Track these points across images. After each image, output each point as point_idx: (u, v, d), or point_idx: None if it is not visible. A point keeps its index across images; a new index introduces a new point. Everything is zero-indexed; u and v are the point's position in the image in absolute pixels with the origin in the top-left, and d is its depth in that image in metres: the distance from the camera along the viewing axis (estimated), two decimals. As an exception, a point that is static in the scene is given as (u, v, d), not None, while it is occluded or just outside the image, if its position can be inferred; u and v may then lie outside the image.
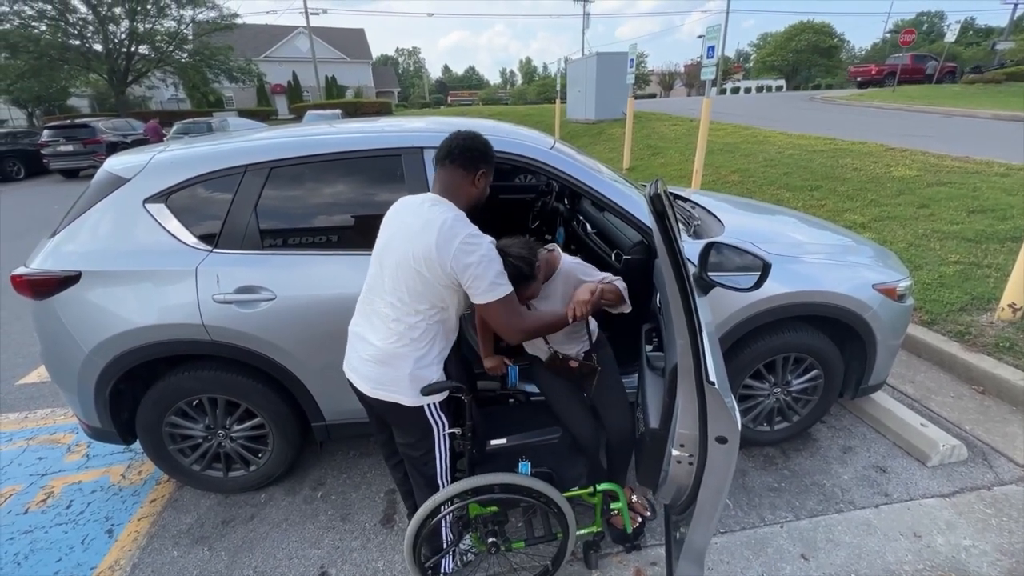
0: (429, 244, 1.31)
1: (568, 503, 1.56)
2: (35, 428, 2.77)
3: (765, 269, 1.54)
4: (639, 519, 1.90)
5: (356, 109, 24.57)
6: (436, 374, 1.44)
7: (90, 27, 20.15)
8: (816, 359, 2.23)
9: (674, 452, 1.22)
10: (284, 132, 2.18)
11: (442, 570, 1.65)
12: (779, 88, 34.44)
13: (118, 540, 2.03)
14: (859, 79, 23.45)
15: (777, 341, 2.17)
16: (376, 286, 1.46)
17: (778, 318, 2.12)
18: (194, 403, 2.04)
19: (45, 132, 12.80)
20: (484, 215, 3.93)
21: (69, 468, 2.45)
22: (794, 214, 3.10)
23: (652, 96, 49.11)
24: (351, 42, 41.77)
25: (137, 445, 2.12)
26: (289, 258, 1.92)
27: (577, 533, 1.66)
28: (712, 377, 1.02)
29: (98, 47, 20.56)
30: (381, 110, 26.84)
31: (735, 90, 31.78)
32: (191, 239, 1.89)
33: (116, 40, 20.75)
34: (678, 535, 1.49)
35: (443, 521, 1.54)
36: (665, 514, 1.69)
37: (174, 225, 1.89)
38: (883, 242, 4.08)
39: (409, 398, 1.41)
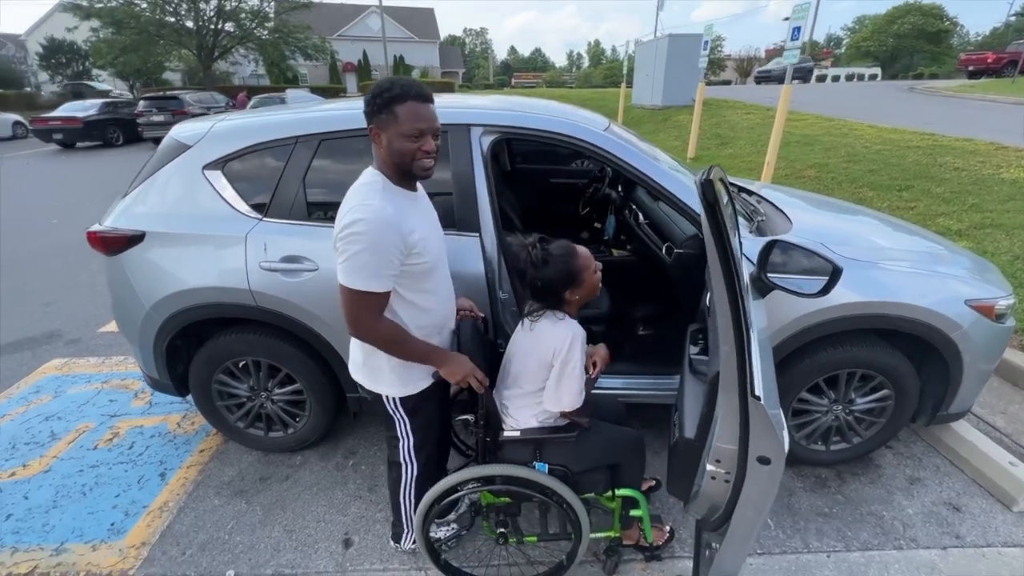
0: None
1: (583, 504, 1.49)
2: (109, 372, 3.03)
3: (835, 274, 1.37)
4: (667, 534, 1.80)
5: (420, 89, 24.84)
6: (389, 366, 1.39)
7: (184, 4, 21.61)
8: (887, 378, 1.99)
9: (709, 467, 1.11)
10: (336, 105, 2.20)
11: (433, 535, 1.71)
12: (873, 77, 31.19)
13: (169, 484, 2.18)
14: (971, 68, 20.85)
15: (842, 354, 1.96)
16: None
17: (846, 329, 1.91)
18: (240, 364, 2.14)
19: (140, 103, 13.96)
20: (533, 199, 3.84)
21: (134, 412, 2.67)
22: (878, 216, 2.78)
23: (727, 83, 46.25)
24: (420, 21, 42.21)
25: (191, 398, 2.26)
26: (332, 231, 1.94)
27: (593, 536, 1.59)
28: (758, 391, 0.90)
29: (189, 24, 22.06)
30: (444, 90, 27.04)
31: (821, 78, 29.10)
32: (243, 206, 1.95)
33: (205, 17, 22.16)
34: (708, 553, 1.38)
35: (462, 502, 1.54)
36: (696, 528, 1.58)
37: (229, 192, 1.96)
38: (983, 253, 3.60)
39: (369, 382, 1.44)
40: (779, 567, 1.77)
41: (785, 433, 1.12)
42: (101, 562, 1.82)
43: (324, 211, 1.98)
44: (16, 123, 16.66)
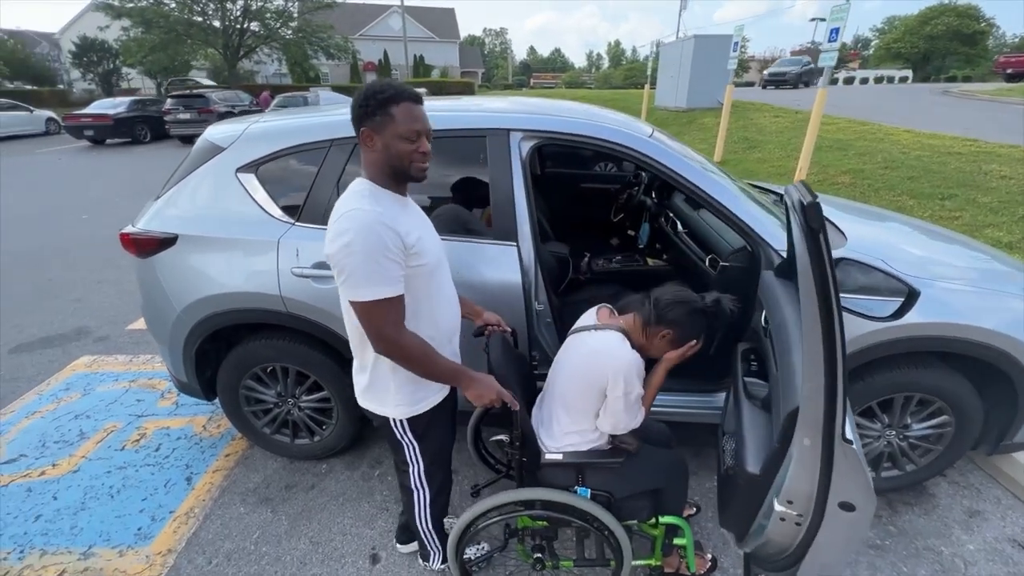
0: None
1: (625, 531, 1.40)
2: (137, 371, 3.04)
3: (911, 297, 1.27)
4: (708, 563, 1.70)
5: (440, 88, 24.98)
6: (396, 385, 1.30)
7: (211, 4, 22.00)
8: (947, 403, 1.86)
9: (777, 507, 1.02)
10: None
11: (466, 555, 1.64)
12: (904, 79, 30.24)
13: (195, 488, 2.16)
14: (1009, 71, 20.08)
15: (899, 377, 1.83)
16: None
17: (903, 351, 1.79)
18: (268, 370, 2.11)
19: (168, 100, 14.22)
20: (563, 204, 3.74)
21: (161, 413, 2.66)
22: (938, 229, 2.63)
23: (750, 84, 45.49)
24: (441, 21, 42.36)
25: (218, 401, 2.23)
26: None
27: (634, 563, 1.51)
28: (849, 435, 0.81)
29: (216, 23, 22.44)
30: (464, 90, 27.10)
31: (849, 80, 28.28)
32: (276, 211, 1.91)
33: (232, 17, 22.53)
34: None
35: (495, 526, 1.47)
36: (745, 560, 1.48)
37: (262, 196, 1.92)
38: (1036, 267, 3.40)
39: (375, 405, 1.36)
40: (830, 604, 1.66)
41: (870, 477, 1.03)
42: (128, 568, 1.80)
43: (357, 216, 1.92)
44: (49, 119, 17.15)
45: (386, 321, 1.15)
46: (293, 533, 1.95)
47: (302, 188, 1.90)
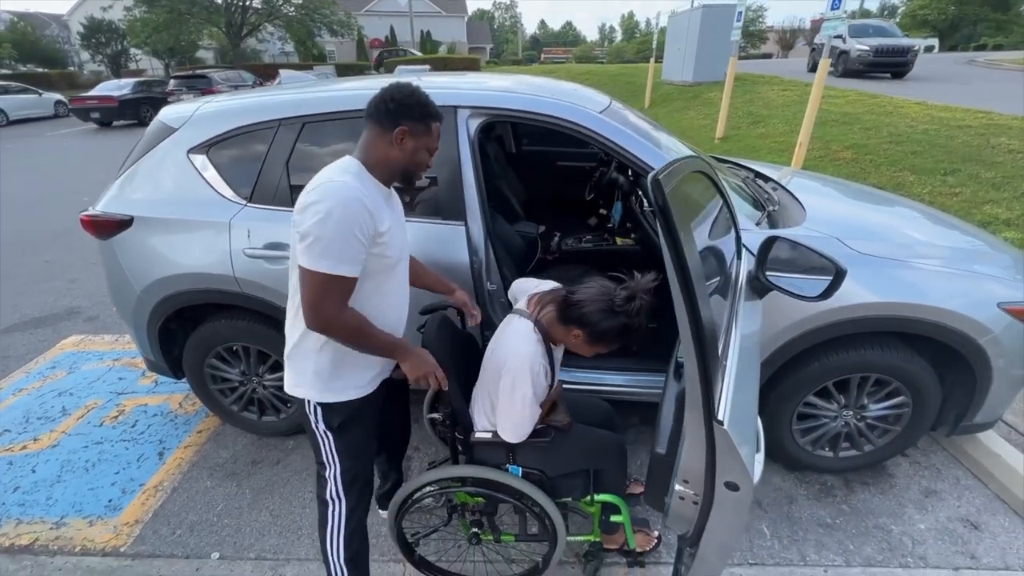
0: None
1: (558, 509, 1.42)
2: (121, 351, 3.12)
3: (838, 276, 1.24)
4: (654, 539, 1.73)
5: (445, 65, 24.54)
6: (315, 366, 1.25)
7: (212, -19, 21.80)
8: (904, 384, 1.84)
9: (677, 487, 1.03)
10: (323, 87, 2.12)
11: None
12: (929, 48, 28.82)
13: (166, 463, 2.23)
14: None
15: (854, 358, 1.81)
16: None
17: (861, 331, 1.76)
18: (232, 349, 2.15)
19: (171, 81, 14.23)
20: (540, 183, 3.69)
21: (140, 391, 2.74)
22: (917, 207, 2.55)
23: (767, 56, 43.90)
24: (448, -5, 41.38)
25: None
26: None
27: (573, 539, 1.54)
28: (721, 415, 0.80)
29: (218, 0, 22.22)
30: (469, 66, 26.58)
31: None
32: (228, 191, 1.92)
33: (233, -6, 22.31)
34: (684, 569, 1.31)
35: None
36: (678, 541, 1.50)
37: (213, 177, 1.93)
38: (1032, 245, 3.30)
39: (289, 382, 1.32)
40: (771, 580, 1.68)
41: (760, 456, 1.03)
42: (96, 538, 1.88)
43: (308, 197, 1.92)
44: (58, 102, 17.29)
45: (332, 298, 1.14)
46: (255, 506, 2.01)
47: (252, 169, 1.91)
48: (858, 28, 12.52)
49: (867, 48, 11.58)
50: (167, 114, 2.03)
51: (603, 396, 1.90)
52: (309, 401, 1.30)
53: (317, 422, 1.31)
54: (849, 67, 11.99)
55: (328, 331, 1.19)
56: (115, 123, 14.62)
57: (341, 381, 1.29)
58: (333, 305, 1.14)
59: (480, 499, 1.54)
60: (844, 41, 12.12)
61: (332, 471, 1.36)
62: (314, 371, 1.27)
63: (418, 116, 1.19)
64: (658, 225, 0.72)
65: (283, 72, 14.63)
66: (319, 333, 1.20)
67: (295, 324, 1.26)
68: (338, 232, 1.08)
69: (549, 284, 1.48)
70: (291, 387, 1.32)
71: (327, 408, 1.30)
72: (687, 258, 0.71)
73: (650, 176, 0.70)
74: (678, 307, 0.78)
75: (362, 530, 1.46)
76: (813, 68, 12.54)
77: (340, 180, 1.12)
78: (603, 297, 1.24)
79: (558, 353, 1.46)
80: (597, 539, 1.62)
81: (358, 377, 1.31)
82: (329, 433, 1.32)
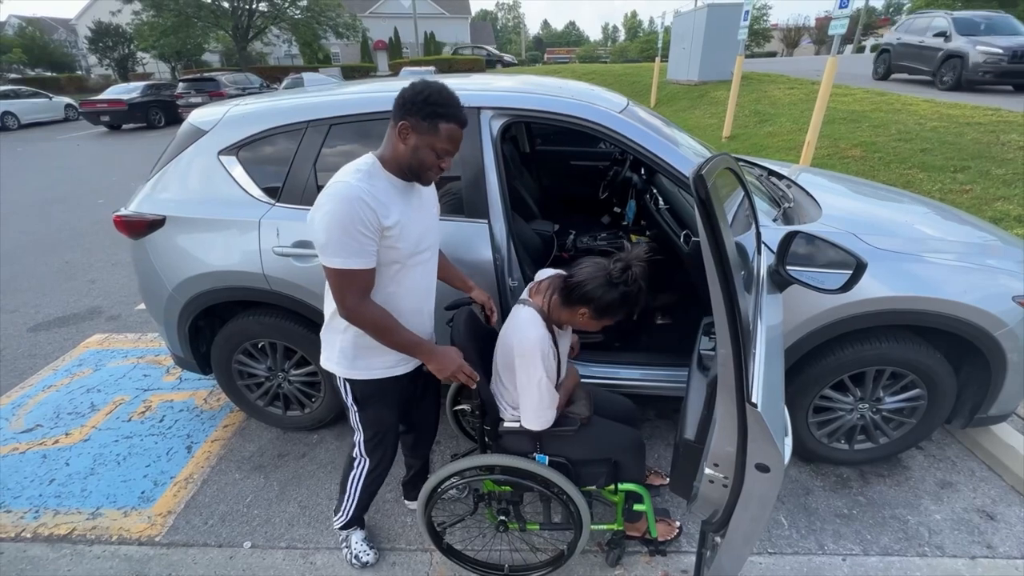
0: None
1: (583, 497, 1.47)
2: (145, 348, 3.19)
3: (858, 269, 1.27)
4: (676, 529, 1.77)
5: (449, 66, 24.63)
6: (341, 345, 1.38)
7: (220, -15, 21.98)
8: (920, 377, 1.87)
9: (707, 470, 1.07)
10: (348, 89, 2.18)
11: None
12: (935, 45, 28.65)
13: (194, 456, 2.30)
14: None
15: (870, 351, 1.84)
16: None
17: (877, 325, 1.80)
18: (259, 345, 2.20)
19: (180, 85, 14.37)
20: (554, 182, 3.73)
21: (165, 387, 2.81)
22: (928, 203, 2.58)
23: (772, 55, 43.71)
24: (451, -4, 41.49)
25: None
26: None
27: (596, 527, 1.58)
28: (755, 398, 0.85)
29: (225, 4, 22.41)
30: (473, 67, 26.67)
31: (877, 48, 26.88)
32: (257, 191, 1.98)
33: (240, -2, 22.48)
34: (709, 553, 1.35)
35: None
36: (701, 525, 1.54)
37: (243, 177, 1.99)
38: (1043, 241, 3.31)
39: (323, 358, 1.45)
40: (790, 568, 1.72)
41: (788, 440, 1.07)
42: (131, 527, 1.94)
43: (335, 196, 1.98)
44: (68, 106, 17.50)
45: (351, 289, 1.23)
46: (283, 497, 2.07)
47: (281, 169, 1.96)
48: (964, 22, 9.10)
49: (999, 51, 8.16)
50: (197, 117, 2.09)
51: (619, 390, 1.94)
52: (338, 375, 1.43)
53: (346, 394, 1.46)
54: (969, 77, 8.43)
55: (354, 321, 1.28)
56: (124, 126, 14.78)
57: (364, 360, 1.40)
58: (353, 297, 1.24)
59: (507, 488, 1.59)
60: (948, 39, 8.91)
61: (358, 436, 1.55)
62: (339, 350, 1.39)
63: (423, 114, 1.19)
64: (698, 217, 0.77)
65: (306, 75, 14.80)
66: (350, 323, 1.30)
67: (328, 305, 1.38)
68: (341, 229, 1.16)
69: (548, 272, 1.52)
70: (324, 362, 1.45)
71: (352, 383, 1.43)
72: (726, 248, 0.76)
73: (692, 172, 0.75)
74: (714, 295, 0.82)
75: (379, 481, 1.67)
76: (884, 76, 10.57)
77: (343, 180, 1.19)
78: (600, 273, 1.30)
79: (563, 341, 1.52)
80: (620, 527, 1.67)
81: (380, 359, 1.40)
82: (355, 405, 1.47)
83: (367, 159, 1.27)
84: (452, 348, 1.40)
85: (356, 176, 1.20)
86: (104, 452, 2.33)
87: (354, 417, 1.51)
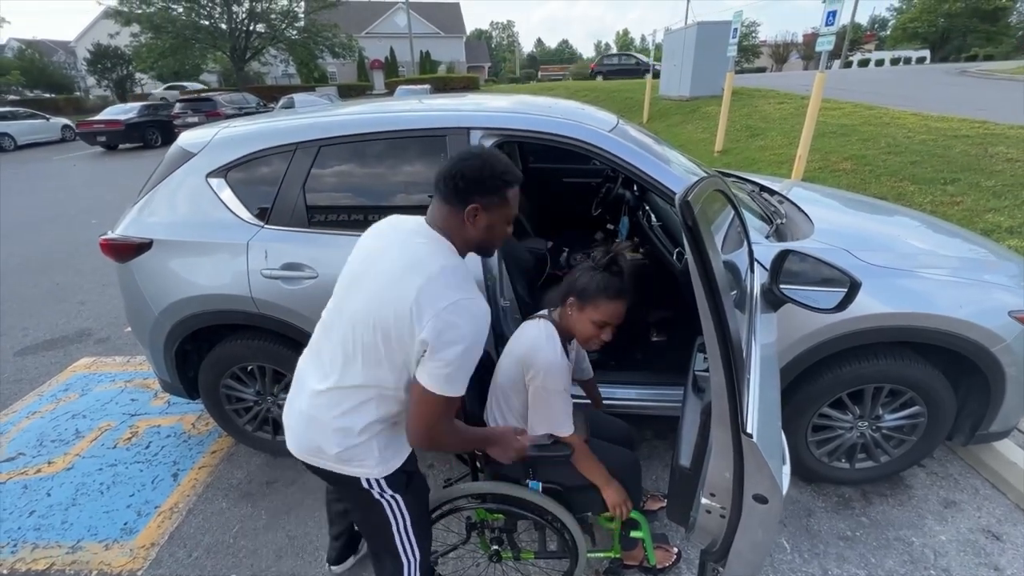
0: (408, 296, 1.00)
1: (578, 523, 1.42)
2: (133, 372, 3.14)
3: (852, 288, 1.26)
4: (674, 555, 1.72)
5: (445, 84, 24.96)
6: (366, 441, 1.13)
7: (217, 8, 22.30)
8: (919, 394, 1.84)
9: (703, 500, 1.03)
10: (337, 111, 2.18)
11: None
12: (921, 60, 29.32)
13: (180, 485, 2.23)
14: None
15: (868, 368, 1.82)
16: (329, 325, 1.19)
17: (873, 342, 1.77)
18: (248, 369, 2.16)
19: (177, 105, 14.47)
20: (547, 200, 3.74)
21: (153, 412, 2.75)
22: (919, 216, 2.59)
23: (761, 70, 44.54)
24: (446, 16, 42.25)
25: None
26: (332, 238, 1.92)
27: (593, 555, 1.53)
28: (750, 428, 0.82)
29: (223, 26, 22.74)
30: (469, 85, 27.02)
31: (864, 62, 27.48)
32: (245, 214, 1.96)
33: (238, 19, 22.82)
34: (709, 584, 1.30)
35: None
36: (701, 557, 1.49)
37: (231, 200, 1.97)
38: (1036, 252, 3.32)
39: (337, 463, 1.15)
40: (793, 595, 1.66)
41: (786, 468, 1.04)
42: (112, 562, 1.87)
43: (324, 217, 1.96)
44: (64, 127, 17.57)
45: (447, 417, 1.09)
46: (271, 527, 2.01)
47: (269, 191, 1.95)
48: None
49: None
50: (186, 139, 2.08)
51: (615, 411, 1.90)
52: (367, 478, 1.18)
53: (382, 492, 1.20)
54: None
55: (434, 447, 1.13)
56: (121, 146, 14.83)
57: (392, 448, 1.20)
58: (446, 423, 1.09)
59: (500, 516, 1.54)
60: None
61: (401, 525, 1.25)
62: (377, 455, 1.16)
63: (491, 189, 1.07)
64: (685, 242, 0.75)
65: (297, 96, 14.93)
66: (421, 449, 1.15)
67: (363, 408, 1.12)
68: (473, 361, 1.05)
69: None
70: (356, 470, 1.17)
71: (388, 476, 1.20)
72: (715, 274, 0.74)
73: (678, 198, 0.73)
74: (704, 322, 0.80)
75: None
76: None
77: (472, 297, 1.04)
78: (586, 264, 1.39)
79: (573, 354, 1.51)
80: (617, 555, 1.62)
81: (401, 435, 1.21)
82: (397, 495, 1.23)
83: (453, 254, 1.10)
84: (508, 428, 1.35)
85: (471, 286, 1.06)
86: (87, 481, 2.26)
87: (396, 509, 1.23)
